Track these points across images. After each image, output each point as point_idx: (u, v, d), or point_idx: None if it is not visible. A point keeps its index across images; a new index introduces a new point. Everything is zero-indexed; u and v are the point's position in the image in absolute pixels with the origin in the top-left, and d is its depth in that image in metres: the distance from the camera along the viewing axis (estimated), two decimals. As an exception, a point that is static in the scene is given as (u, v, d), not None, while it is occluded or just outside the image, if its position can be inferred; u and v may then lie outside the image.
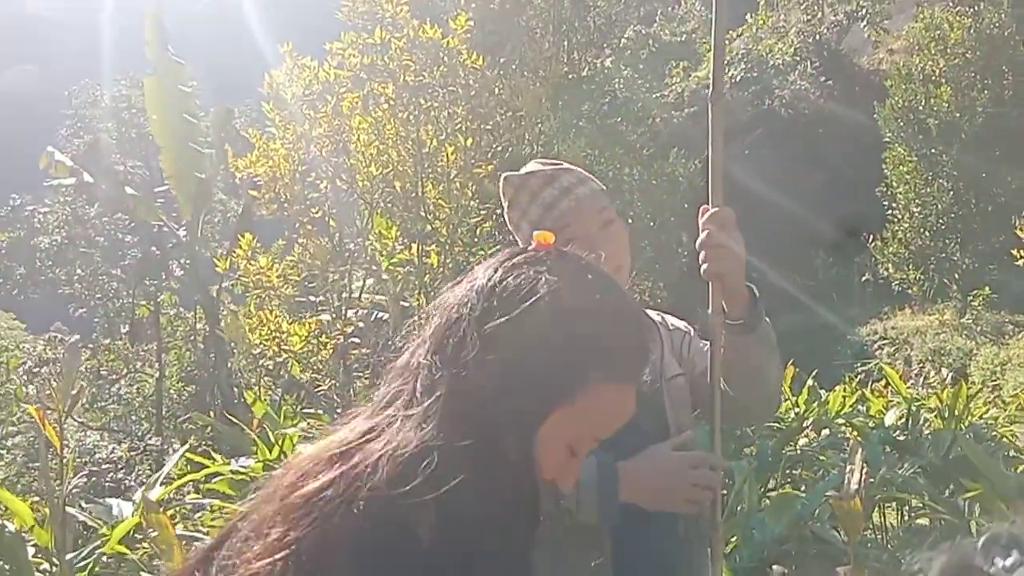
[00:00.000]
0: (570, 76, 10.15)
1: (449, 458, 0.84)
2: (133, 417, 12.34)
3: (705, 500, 1.47)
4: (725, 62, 1.71)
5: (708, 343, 1.67)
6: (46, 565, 2.78)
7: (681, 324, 1.79)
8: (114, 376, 13.23)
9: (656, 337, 1.66)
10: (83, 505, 3.40)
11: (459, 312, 0.92)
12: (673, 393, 1.63)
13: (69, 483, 3.39)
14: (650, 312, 1.76)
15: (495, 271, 0.94)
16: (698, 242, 1.52)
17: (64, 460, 3.42)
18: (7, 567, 2.72)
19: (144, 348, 14.29)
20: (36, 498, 3.62)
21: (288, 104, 5.92)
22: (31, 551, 2.77)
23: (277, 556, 0.82)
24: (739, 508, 3.24)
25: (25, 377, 11.61)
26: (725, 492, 3.20)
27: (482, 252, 6.58)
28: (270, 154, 5.92)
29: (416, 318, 1.00)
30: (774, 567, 3.04)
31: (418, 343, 0.94)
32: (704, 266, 1.51)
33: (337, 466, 0.85)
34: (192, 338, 13.30)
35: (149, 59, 6.14)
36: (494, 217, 7.62)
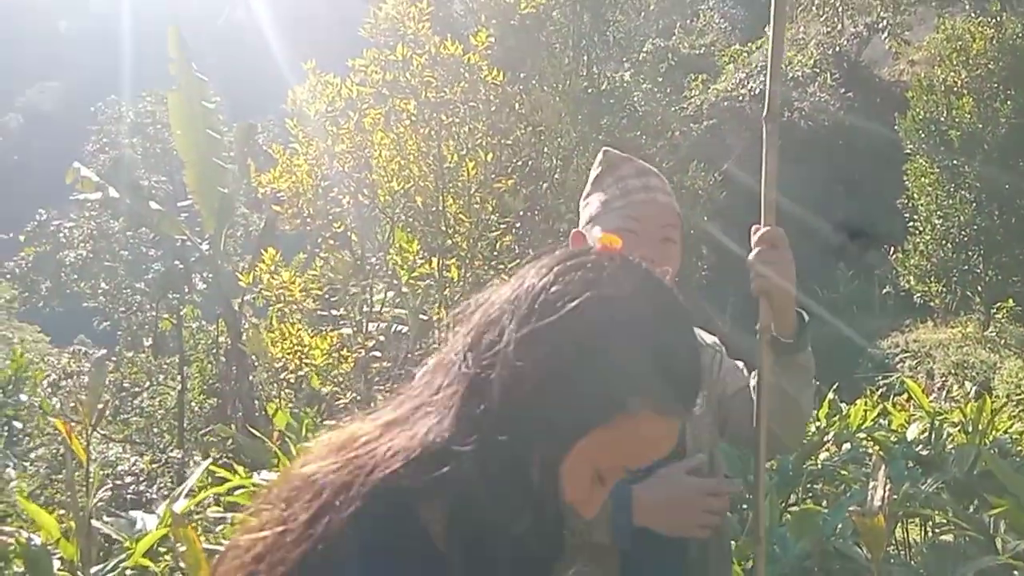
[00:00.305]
0: (589, 90, 10.17)
1: (461, 460, 0.79)
2: (155, 429, 12.42)
3: (714, 525, 1.46)
4: (780, 83, 1.72)
5: (742, 362, 1.67)
6: (72, 578, 2.80)
7: (711, 340, 1.76)
8: (137, 388, 13.34)
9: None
10: (107, 519, 3.43)
11: (501, 310, 0.86)
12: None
13: (95, 496, 3.43)
14: None
15: (548, 271, 0.86)
16: (749, 258, 1.52)
17: (90, 473, 3.47)
18: (34, 580, 2.75)
19: (167, 361, 14.41)
20: (61, 511, 3.66)
21: (311, 120, 5.97)
22: (56, 564, 2.79)
23: (273, 530, 0.80)
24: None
25: (49, 390, 11.73)
26: (746, 506, 3.19)
27: (502, 266, 6.61)
28: (293, 169, 5.97)
29: (438, 329, 0.98)
30: (795, 583, 3.02)
31: (455, 339, 0.89)
32: (753, 283, 1.51)
33: (346, 452, 0.82)
34: (214, 351, 13.41)
35: (173, 75, 6.23)
36: (514, 231, 7.65)
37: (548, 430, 0.81)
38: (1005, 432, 5.46)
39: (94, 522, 2.98)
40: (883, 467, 2.09)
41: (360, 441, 0.84)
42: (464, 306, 0.91)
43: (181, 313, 14.87)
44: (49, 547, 2.83)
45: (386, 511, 0.78)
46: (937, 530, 4.16)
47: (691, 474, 1.47)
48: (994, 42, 15.44)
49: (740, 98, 22.24)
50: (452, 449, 0.80)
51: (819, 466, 4.37)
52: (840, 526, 3.16)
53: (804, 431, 1.71)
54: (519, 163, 7.71)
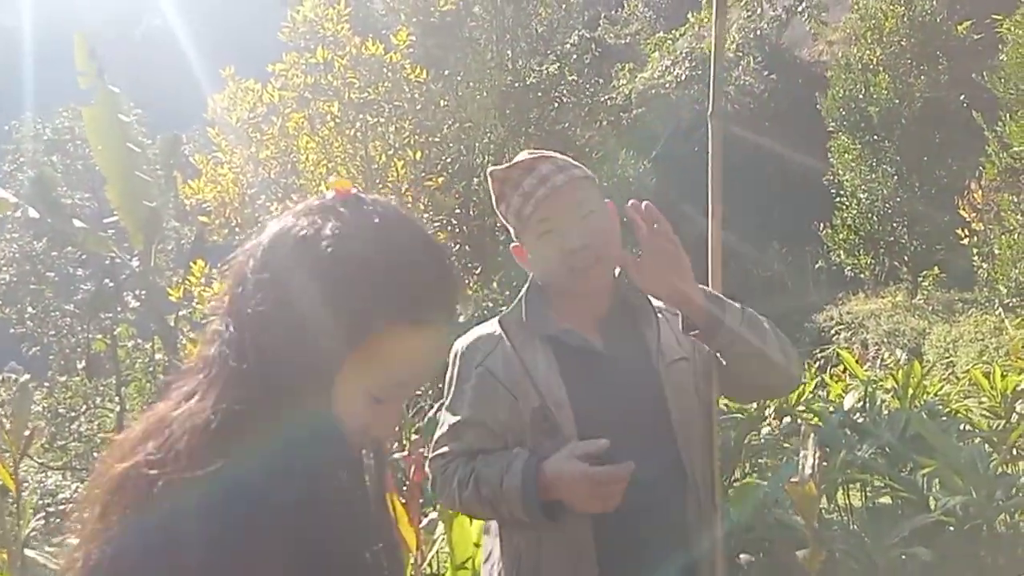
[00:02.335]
0: (515, 84, 10.20)
1: (243, 420, 0.80)
2: (95, 454, 12.09)
3: (609, 507, 1.48)
4: (723, 82, 1.75)
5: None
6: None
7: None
8: (73, 413, 12.96)
9: (652, 321, 1.68)
10: (47, 548, 3.32)
11: (242, 263, 0.88)
12: (674, 377, 1.63)
13: (28, 526, 3.32)
14: (648, 300, 1.76)
15: (279, 223, 0.89)
16: (627, 262, 1.57)
17: (21, 503, 3.36)
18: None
19: (103, 383, 14.02)
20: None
21: (233, 128, 5.87)
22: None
23: (94, 534, 0.80)
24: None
25: (-21, 420, 11.30)
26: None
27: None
28: (218, 179, 5.87)
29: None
30: (741, 556, 3.08)
31: (219, 302, 0.90)
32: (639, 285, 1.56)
33: (150, 441, 0.82)
34: (152, 369, 13.09)
35: (83, 88, 6.03)
36: (448, 228, 7.63)
37: (304, 367, 0.82)
38: (935, 395, 5.64)
39: (29, 552, 2.89)
40: (811, 435, 2.14)
41: (161, 423, 0.84)
42: (225, 263, 0.92)
43: (115, 333, 14.48)
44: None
45: (201, 495, 0.78)
46: (875, 493, 4.28)
47: (588, 457, 1.47)
48: (905, 19, 15.92)
49: (666, 85, 22.55)
50: (225, 413, 0.81)
51: (762, 440, 4.46)
52: (780, 497, 3.23)
53: (790, 367, 1.69)
54: (449, 160, 7.70)
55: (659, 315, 1.70)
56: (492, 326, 1.71)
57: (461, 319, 1.01)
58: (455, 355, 1.70)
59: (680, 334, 1.67)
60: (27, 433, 3.37)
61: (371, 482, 0.98)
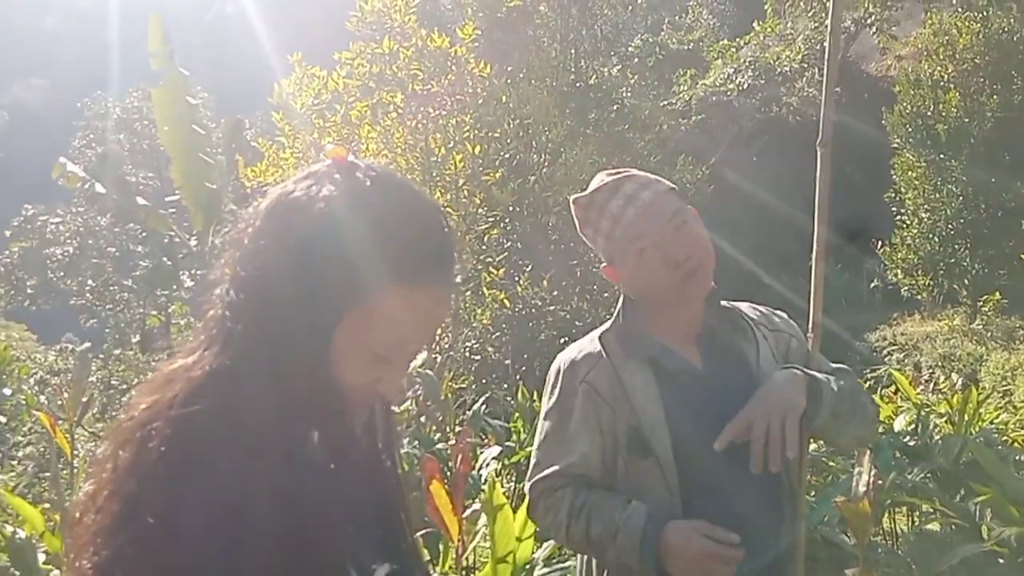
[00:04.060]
0: (577, 84, 10.16)
1: (234, 372, 0.84)
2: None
3: None
4: (833, 109, 1.77)
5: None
6: (56, 572, 2.78)
7: (784, 324, 1.77)
8: (125, 386, 13.31)
9: (751, 336, 1.67)
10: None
11: (242, 231, 0.91)
12: None
13: (80, 490, 3.41)
14: (751, 308, 1.77)
15: (279, 189, 0.92)
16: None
17: (75, 468, 3.45)
18: (18, 573, 2.73)
19: (156, 358, 14.38)
20: (47, 505, 3.64)
21: (297, 114, 5.95)
22: (41, 557, 2.78)
23: (101, 481, 0.84)
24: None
25: (36, 387, 11.67)
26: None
27: (490, 259, 6.61)
28: (279, 163, 5.96)
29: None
30: (784, 572, 3.02)
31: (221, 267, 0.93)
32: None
33: (152, 396, 0.86)
34: (202, 347, 13.36)
35: (154, 70, 6.19)
36: (502, 224, 7.64)
37: (301, 325, 0.85)
38: (991, 422, 5.50)
39: (80, 516, 2.96)
40: (867, 454, 2.10)
41: (166, 380, 0.88)
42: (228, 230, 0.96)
43: (169, 310, 14.83)
44: (34, 541, 2.81)
45: (186, 439, 0.81)
46: (924, 519, 4.18)
47: (710, 536, 1.48)
48: (980, 37, 15.50)
49: (728, 93, 22.28)
50: (224, 369, 0.85)
51: (807, 457, 4.39)
52: (828, 515, 3.17)
53: (867, 433, 1.73)
54: (507, 156, 7.71)
55: (757, 330, 1.70)
56: (593, 343, 1.70)
57: (459, 279, 1.00)
58: (558, 370, 1.70)
59: (776, 350, 1.68)
60: (84, 400, 3.46)
61: (382, 441, 1.01)
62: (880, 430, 4.68)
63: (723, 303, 1.70)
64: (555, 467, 1.62)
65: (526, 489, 1.70)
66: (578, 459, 1.61)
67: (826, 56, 1.72)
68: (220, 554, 0.77)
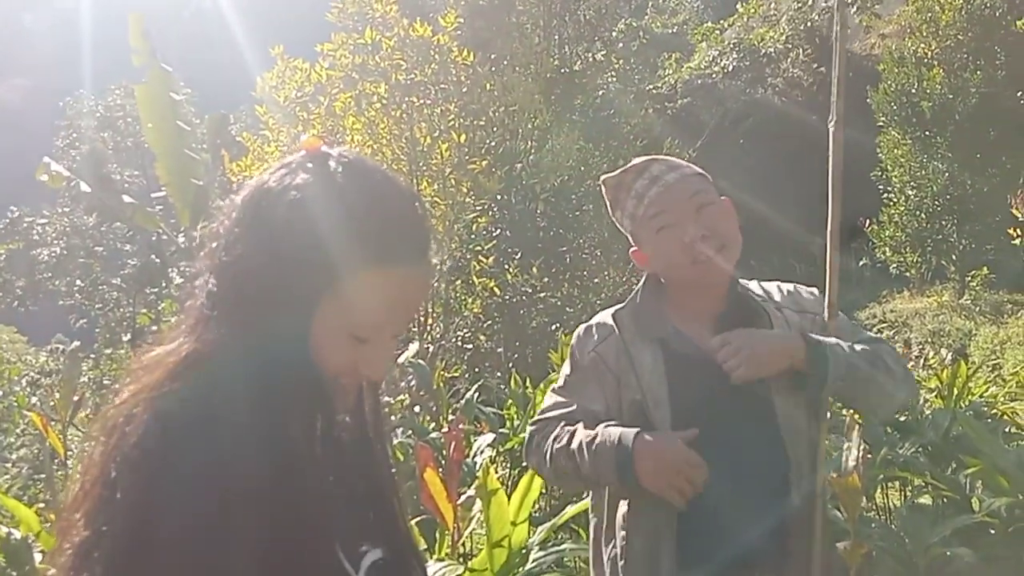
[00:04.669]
0: (562, 70, 10.14)
1: (209, 356, 0.86)
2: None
3: (684, 493, 1.49)
4: (844, 89, 1.75)
5: (842, 320, 1.74)
6: (53, 571, 2.79)
7: (813, 304, 1.77)
8: (117, 385, 13.26)
9: (767, 322, 1.67)
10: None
11: (220, 222, 0.93)
12: (784, 379, 1.61)
13: (71, 488, 3.40)
14: (778, 289, 1.78)
15: (254, 181, 0.95)
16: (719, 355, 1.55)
17: (69, 467, 3.45)
18: (14, 573, 2.74)
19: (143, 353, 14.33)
20: (42, 506, 3.64)
21: (280, 107, 5.93)
22: (38, 557, 2.78)
23: (87, 468, 0.85)
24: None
25: (28, 389, 11.62)
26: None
27: (479, 248, 6.60)
28: (265, 157, 5.95)
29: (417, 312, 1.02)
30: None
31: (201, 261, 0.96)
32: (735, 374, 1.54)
33: (137, 382, 0.88)
34: (194, 344, 13.31)
35: (137, 67, 6.14)
36: (490, 212, 7.65)
37: (278, 309, 0.88)
38: (980, 396, 5.55)
39: (75, 515, 2.96)
40: (857, 430, 2.11)
41: (147, 367, 0.90)
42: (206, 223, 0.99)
43: (159, 308, 14.76)
44: (30, 541, 2.81)
45: (163, 423, 0.82)
46: (915, 493, 4.22)
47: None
48: (963, 13, 15.53)
49: (713, 76, 22.27)
50: (201, 354, 0.87)
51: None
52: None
53: (894, 396, 1.72)
54: (493, 144, 7.70)
55: (779, 312, 1.71)
56: (607, 317, 1.74)
57: (435, 261, 1.02)
58: (576, 337, 1.75)
59: (800, 331, 1.67)
60: (76, 399, 3.46)
61: (370, 425, 1.02)
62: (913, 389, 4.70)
63: (749, 284, 1.72)
64: (553, 412, 1.68)
65: (526, 433, 1.74)
66: (577, 409, 1.65)
67: (835, 31, 1.73)
68: (198, 540, 0.78)
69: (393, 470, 1.08)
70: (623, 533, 1.62)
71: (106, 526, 0.80)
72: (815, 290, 1.81)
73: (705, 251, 1.59)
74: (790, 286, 1.80)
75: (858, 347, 1.64)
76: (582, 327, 1.76)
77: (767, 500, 1.57)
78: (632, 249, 1.74)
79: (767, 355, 1.54)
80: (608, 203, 1.76)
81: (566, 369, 1.74)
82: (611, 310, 1.75)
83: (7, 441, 7.62)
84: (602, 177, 1.77)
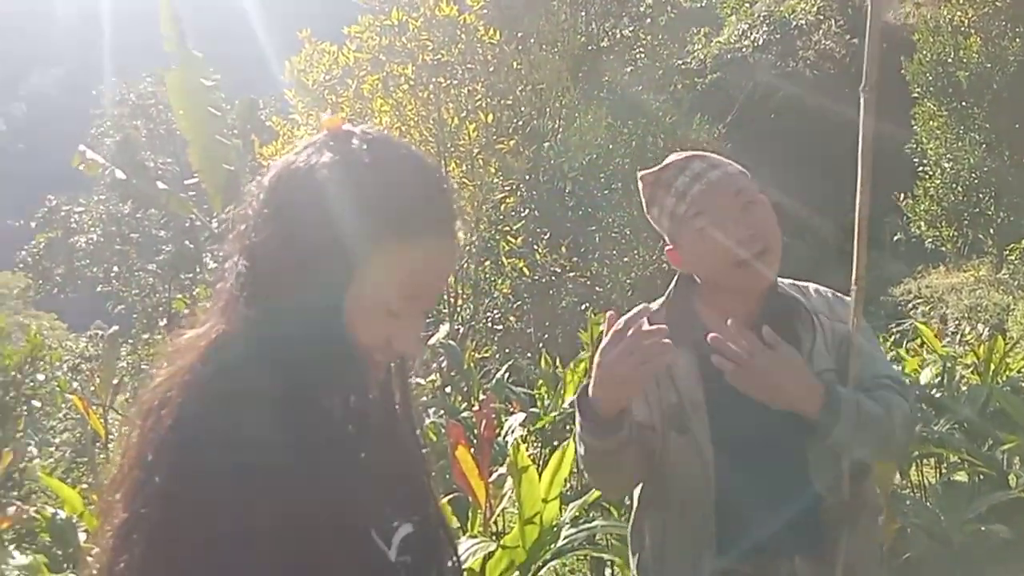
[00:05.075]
0: (589, 47, 10.05)
1: (251, 341, 0.87)
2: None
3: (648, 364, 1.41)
4: (879, 50, 1.66)
5: (865, 333, 1.65)
6: (97, 550, 2.85)
7: (847, 314, 1.67)
8: (153, 369, 13.47)
9: (809, 326, 1.62)
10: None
11: (248, 204, 0.95)
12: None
13: (110, 471, 3.48)
14: (816, 293, 1.71)
15: (279, 162, 0.96)
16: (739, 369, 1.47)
17: (110, 448, 3.53)
18: (59, 552, 2.81)
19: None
20: (85, 487, 3.73)
21: (309, 90, 5.96)
22: (82, 536, 2.85)
23: (126, 451, 0.87)
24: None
25: (69, 374, 11.86)
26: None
27: (507, 228, 6.60)
28: (294, 141, 5.99)
29: (445, 294, 1.02)
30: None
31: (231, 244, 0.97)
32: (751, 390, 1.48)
33: (171, 366, 0.90)
34: (229, 328, 13.49)
35: (168, 54, 6.19)
36: (518, 192, 7.63)
37: (315, 289, 0.89)
38: (1018, 371, 5.46)
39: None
40: (890, 404, 2.10)
41: (180, 351, 0.92)
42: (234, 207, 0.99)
43: (194, 293, 14.96)
44: (74, 521, 2.88)
45: (197, 404, 0.84)
46: (951, 469, 4.18)
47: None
48: (1001, -22, 15.17)
49: (743, 50, 21.96)
50: (234, 335, 0.89)
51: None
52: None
53: (892, 454, 1.72)
54: (520, 123, 7.67)
55: (816, 319, 1.64)
56: (643, 316, 1.65)
57: (461, 236, 1.04)
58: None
59: (831, 342, 1.62)
60: (115, 382, 3.54)
61: (399, 402, 1.04)
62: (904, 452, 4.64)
63: (789, 285, 1.66)
64: None
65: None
66: None
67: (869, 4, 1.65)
68: (233, 518, 0.79)
69: (423, 448, 1.10)
70: (661, 531, 1.62)
71: (144, 508, 0.82)
72: (849, 298, 1.71)
73: (749, 253, 1.55)
74: (828, 291, 1.74)
75: (874, 406, 1.55)
76: (619, 322, 1.67)
77: (799, 499, 1.55)
78: (668, 248, 1.69)
79: (770, 387, 1.47)
80: (644, 200, 1.70)
81: None
82: (645, 308, 1.68)
83: (50, 425, 7.81)
84: (639, 173, 1.72)
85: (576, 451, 1.62)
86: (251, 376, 0.85)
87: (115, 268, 18.62)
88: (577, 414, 1.50)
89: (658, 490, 1.65)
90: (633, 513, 1.73)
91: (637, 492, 1.73)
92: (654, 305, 1.71)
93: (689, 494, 1.59)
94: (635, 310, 1.71)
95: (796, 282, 1.71)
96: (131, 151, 16.85)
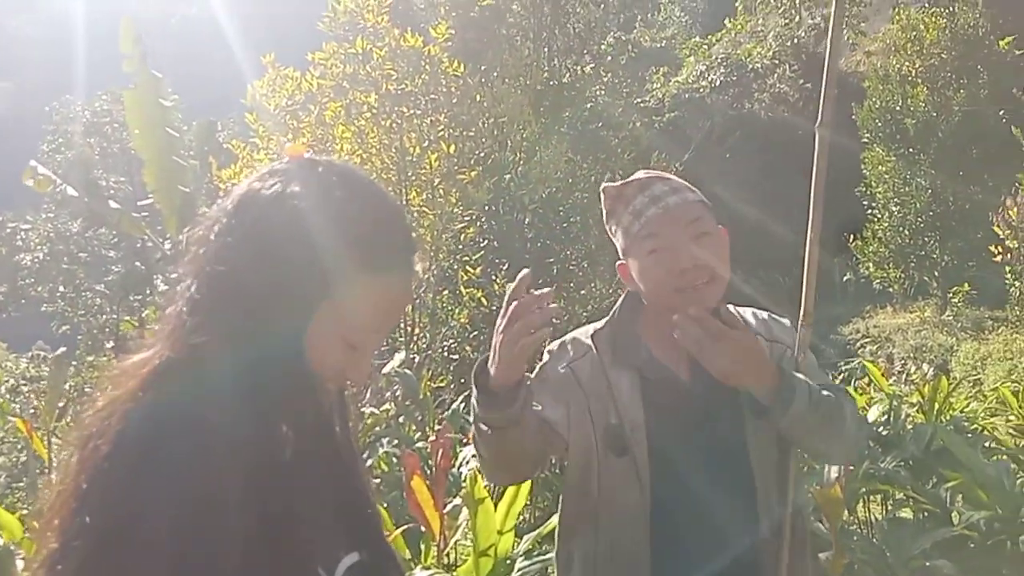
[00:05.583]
0: (551, 83, 10.20)
1: (201, 369, 0.85)
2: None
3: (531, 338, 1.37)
4: (834, 90, 1.71)
5: (810, 360, 1.67)
6: (33, 579, 2.77)
7: (784, 333, 1.72)
8: (96, 393, 13.12)
9: None
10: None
11: (208, 228, 0.93)
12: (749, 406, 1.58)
13: (48, 496, 3.37)
14: (753, 316, 1.73)
15: (242, 187, 0.95)
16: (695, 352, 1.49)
17: (53, 473, 3.43)
18: (-3, 580, 2.72)
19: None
20: (24, 512, 3.61)
21: (271, 115, 5.94)
22: (20, 564, 2.76)
23: (64, 479, 0.85)
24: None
25: (8, 395, 11.51)
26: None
27: (466, 258, 6.60)
28: (253, 165, 5.95)
29: (403, 323, 1.02)
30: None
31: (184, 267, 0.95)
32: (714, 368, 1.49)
33: (113, 391, 0.88)
34: (178, 352, 13.22)
35: (127, 72, 6.11)
36: (478, 223, 7.67)
37: (278, 320, 0.88)
38: (961, 411, 5.60)
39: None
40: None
41: (122, 376, 0.90)
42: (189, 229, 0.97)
43: (143, 315, 14.66)
44: (12, 548, 2.79)
45: (135, 433, 0.82)
46: (896, 506, 4.26)
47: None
48: (947, 32, 15.75)
49: (700, 90, 22.44)
50: (181, 362, 0.86)
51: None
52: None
53: (853, 443, 1.67)
54: (482, 155, 7.72)
55: (759, 340, 1.65)
56: (586, 335, 1.70)
57: (419, 268, 1.05)
58: (546, 352, 1.71)
59: (776, 361, 1.62)
60: (60, 405, 3.45)
61: (340, 429, 1.03)
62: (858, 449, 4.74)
63: (725, 309, 1.65)
64: None
65: None
66: None
67: (829, 34, 1.71)
68: (167, 555, 0.77)
69: (368, 478, 1.09)
70: (591, 560, 1.60)
71: (75, 540, 0.79)
72: (787, 321, 1.76)
73: (692, 281, 1.56)
74: (764, 314, 1.76)
75: (824, 392, 1.59)
76: (556, 342, 1.71)
77: (737, 529, 1.56)
78: (619, 263, 1.71)
79: (730, 362, 1.47)
80: (604, 212, 1.71)
81: (537, 373, 1.68)
82: (589, 329, 1.71)
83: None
84: (603, 185, 1.72)
85: (472, 433, 1.59)
86: (203, 404, 0.83)
87: (61, 288, 18.20)
88: (472, 387, 1.47)
89: (589, 519, 1.62)
90: (558, 534, 1.70)
91: (561, 518, 1.71)
92: (597, 325, 1.71)
93: (623, 523, 1.57)
94: (578, 331, 1.73)
95: (735, 307, 1.70)
96: (84, 169, 16.54)
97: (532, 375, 1.68)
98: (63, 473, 0.86)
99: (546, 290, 1.37)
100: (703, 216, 1.62)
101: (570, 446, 1.62)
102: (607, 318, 1.71)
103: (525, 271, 1.40)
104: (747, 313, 1.74)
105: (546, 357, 1.71)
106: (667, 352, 1.62)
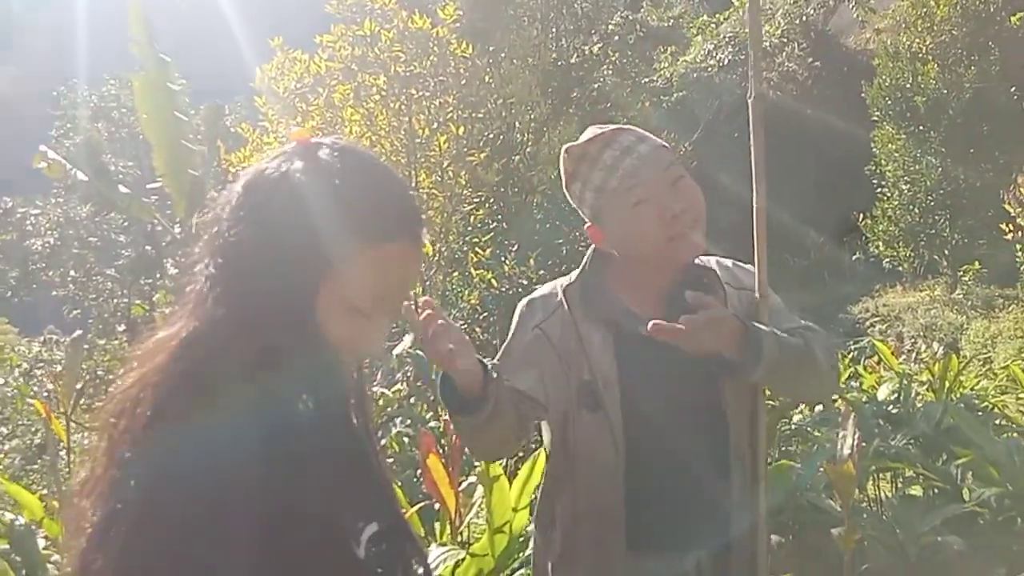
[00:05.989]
0: (558, 63, 10.17)
1: (222, 340, 0.89)
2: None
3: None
4: (759, 64, 1.71)
5: (776, 303, 1.69)
6: (56, 556, 2.82)
7: (750, 281, 1.70)
8: (111, 376, 13.22)
9: (721, 296, 1.63)
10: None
11: (220, 209, 0.97)
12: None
13: (78, 475, 3.42)
14: (719, 264, 1.72)
15: (252, 169, 1.00)
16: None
17: (72, 454, 3.47)
18: (18, 559, 2.76)
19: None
20: (45, 492, 3.66)
21: (280, 98, 5.95)
22: (41, 543, 2.81)
23: (98, 452, 0.88)
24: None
25: (21, 379, 11.60)
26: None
27: (476, 240, 6.62)
28: (263, 148, 5.96)
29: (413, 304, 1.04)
30: (771, 537, 3.09)
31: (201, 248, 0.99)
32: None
33: (142, 367, 0.91)
34: (189, 335, 13.28)
35: (136, 56, 6.12)
36: (488, 204, 7.67)
37: (288, 289, 0.92)
38: (971, 389, 5.60)
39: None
40: (852, 416, 2.16)
41: (150, 351, 0.93)
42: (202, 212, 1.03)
43: (154, 298, 14.74)
44: (33, 527, 2.84)
45: (168, 405, 0.85)
46: (906, 483, 4.27)
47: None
48: (957, 8, 15.56)
49: (708, 69, 22.28)
50: (205, 334, 0.90)
51: (792, 427, 4.46)
52: (812, 481, 3.24)
53: (827, 381, 1.69)
54: (491, 136, 7.72)
55: (725, 289, 1.66)
56: (555, 291, 1.68)
57: (427, 241, 1.10)
58: (518, 312, 1.70)
59: (742, 311, 1.62)
60: (78, 386, 3.48)
61: (355, 403, 1.05)
62: (864, 399, 4.76)
63: (695, 260, 1.66)
64: None
65: None
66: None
67: (748, 7, 1.70)
68: (211, 514, 0.81)
69: (378, 446, 1.12)
70: (571, 517, 1.61)
71: (122, 504, 0.82)
72: (751, 267, 1.72)
73: (683, 226, 1.55)
74: (728, 261, 1.75)
75: (792, 339, 1.58)
76: (526, 300, 1.70)
77: (711, 482, 1.58)
78: (587, 225, 1.67)
79: (704, 344, 1.48)
80: (565, 176, 1.67)
81: (508, 340, 1.68)
82: (559, 283, 1.69)
83: (3, 431, 7.63)
84: (565, 147, 1.68)
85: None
86: (225, 372, 0.87)
87: (72, 272, 18.28)
88: (441, 403, 1.49)
89: (567, 478, 1.62)
90: (540, 493, 1.71)
91: (543, 480, 1.73)
92: (566, 280, 1.69)
93: (599, 478, 1.57)
94: (547, 286, 1.72)
95: (702, 257, 1.70)
96: (93, 153, 16.57)
97: (508, 341, 1.69)
98: (94, 451, 0.89)
99: (424, 299, 1.36)
100: (673, 159, 1.62)
101: (549, 407, 1.62)
102: (577, 271, 1.69)
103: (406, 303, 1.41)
104: (712, 262, 1.72)
105: (516, 318, 1.70)
106: (641, 304, 1.61)
